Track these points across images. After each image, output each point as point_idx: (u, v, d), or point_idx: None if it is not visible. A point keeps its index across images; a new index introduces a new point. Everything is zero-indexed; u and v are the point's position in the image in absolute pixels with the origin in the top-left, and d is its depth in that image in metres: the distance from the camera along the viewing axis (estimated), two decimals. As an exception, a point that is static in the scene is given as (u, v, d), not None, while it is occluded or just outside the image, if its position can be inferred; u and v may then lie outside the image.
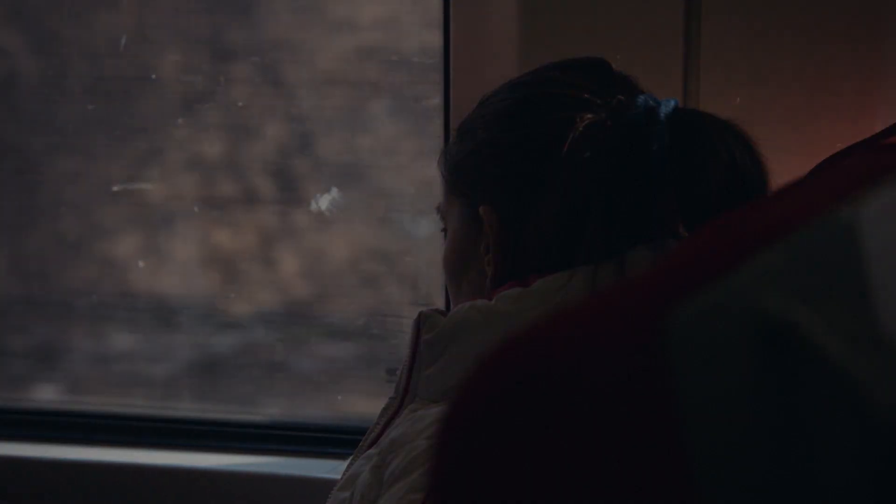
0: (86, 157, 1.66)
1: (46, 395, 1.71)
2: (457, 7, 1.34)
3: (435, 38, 1.45)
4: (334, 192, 1.58)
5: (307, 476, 1.49)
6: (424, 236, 1.58)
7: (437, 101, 1.49)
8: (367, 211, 1.59)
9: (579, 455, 0.50)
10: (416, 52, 1.53)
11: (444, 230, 1.08)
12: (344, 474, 0.99)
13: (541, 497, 0.50)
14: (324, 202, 1.58)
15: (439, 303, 1.52)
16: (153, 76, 1.62)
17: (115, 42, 1.62)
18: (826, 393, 0.48)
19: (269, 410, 1.64)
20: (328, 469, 1.49)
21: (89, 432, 1.64)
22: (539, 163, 0.99)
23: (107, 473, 1.56)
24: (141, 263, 1.66)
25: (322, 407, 1.62)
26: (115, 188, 1.64)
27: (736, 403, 0.49)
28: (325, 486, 1.09)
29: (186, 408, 1.66)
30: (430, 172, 1.46)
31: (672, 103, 0.98)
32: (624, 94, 1.00)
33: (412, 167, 1.57)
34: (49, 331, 1.71)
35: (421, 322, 0.99)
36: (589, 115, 0.98)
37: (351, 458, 1.01)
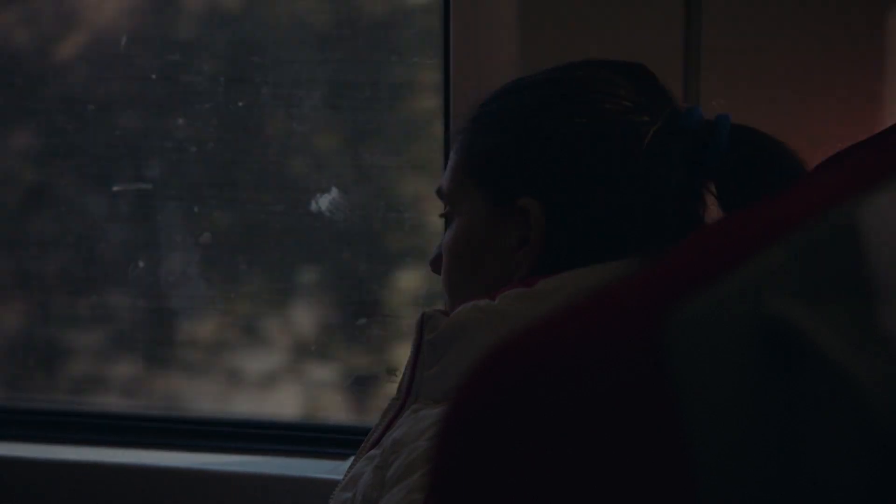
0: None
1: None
2: (457, 7, 1.34)
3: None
4: (334, 192, 1.58)
5: (308, 476, 1.49)
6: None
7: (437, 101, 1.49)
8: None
9: (579, 455, 0.50)
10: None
11: (445, 216, 1.07)
12: (346, 475, 0.98)
13: (541, 497, 0.50)
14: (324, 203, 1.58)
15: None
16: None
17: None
18: (827, 393, 0.48)
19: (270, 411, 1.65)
20: (329, 469, 1.49)
21: (89, 432, 1.64)
22: (596, 161, 0.98)
23: (107, 473, 1.56)
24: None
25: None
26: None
27: (736, 404, 0.49)
28: (325, 486, 1.09)
29: (186, 408, 1.66)
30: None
31: (728, 118, 0.99)
32: (672, 104, 1.01)
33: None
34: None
35: (423, 322, 0.99)
36: (646, 118, 0.98)
37: (353, 458, 1.01)
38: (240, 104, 1.59)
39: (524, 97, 1.03)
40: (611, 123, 0.99)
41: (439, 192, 1.06)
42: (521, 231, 1.00)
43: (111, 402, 1.69)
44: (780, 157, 0.98)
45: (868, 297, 0.52)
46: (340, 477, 1.00)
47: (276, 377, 1.64)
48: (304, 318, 1.62)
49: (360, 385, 1.59)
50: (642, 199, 0.98)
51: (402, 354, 1.49)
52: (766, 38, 1.26)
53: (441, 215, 1.08)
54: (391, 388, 1.38)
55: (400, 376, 1.02)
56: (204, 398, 1.65)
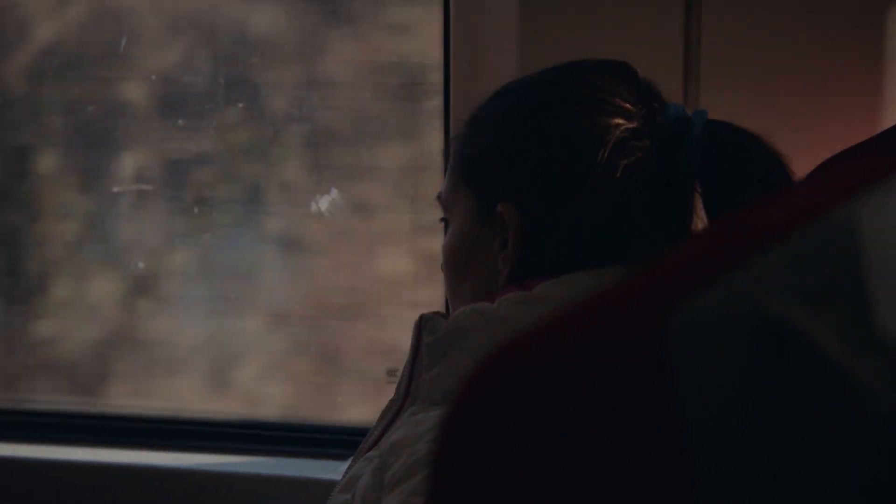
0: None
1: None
2: (457, 7, 1.34)
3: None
4: (334, 192, 1.58)
5: (307, 477, 1.49)
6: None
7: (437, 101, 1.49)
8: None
9: (579, 456, 0.49)
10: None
11: (444, 220, 1.07)
12: (344, 476, 0.98)
13: (541, 499, 0.50)
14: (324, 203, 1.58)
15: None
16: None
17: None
18: (826, 394, 0.48)
19: (269, 411, 1.65)
20: (328, 470, 1.49)
21: (89, 432, 1.64)
22: (570, 165, 0.98)
23: (107, 473, 1.56)
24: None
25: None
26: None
27: (736, 404, 0.49)
28: (324, 487, 1.09)
29: (186, 408, 1.67)
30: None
31: (704, 114, 0.98)
32: (652, 103, 1.00)
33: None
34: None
35: (422, 325, 0.99)
36: (621, 121, 0.98)
37: (351, 459, 1.01)
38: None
39: (505, 102, 1.04)
40: (584, 127, 0.98)
41: (438, 197, 1.07)
42: (502, 236, 1.00)
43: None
44: (757, 153, 0.97)
45: (868, 298, 0.52)
46: (340, 477, 0.99)
47: None
48: None
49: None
50: (620, 202, 0.97)
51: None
52: (766, 38, 1.26)
53: (441, 220, 1.08)
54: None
55: (398, 377, 1.02)
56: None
